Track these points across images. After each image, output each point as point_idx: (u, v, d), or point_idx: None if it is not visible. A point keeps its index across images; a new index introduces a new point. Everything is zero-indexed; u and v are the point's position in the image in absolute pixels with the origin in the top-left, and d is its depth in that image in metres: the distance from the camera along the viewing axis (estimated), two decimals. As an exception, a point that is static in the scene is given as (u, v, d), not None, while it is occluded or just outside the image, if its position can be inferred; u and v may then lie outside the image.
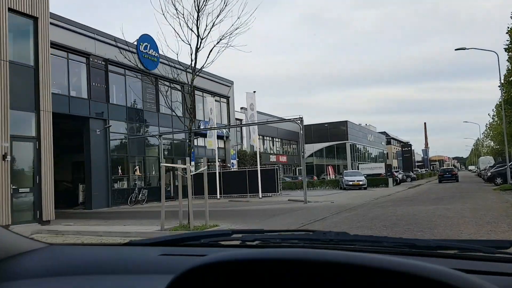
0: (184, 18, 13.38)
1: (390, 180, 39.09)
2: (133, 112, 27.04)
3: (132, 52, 27.10)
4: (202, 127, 30.76)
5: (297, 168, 65.76)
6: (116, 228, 13.72)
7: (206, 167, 13.53)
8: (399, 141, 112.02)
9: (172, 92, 15.67)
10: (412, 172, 63.09)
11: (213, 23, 13.58)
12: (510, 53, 26.90)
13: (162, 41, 16.81)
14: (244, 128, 51.99)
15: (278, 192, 28.29)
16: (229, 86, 37.83)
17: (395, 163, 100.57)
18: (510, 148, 28.62)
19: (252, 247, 1.54)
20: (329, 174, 53.32)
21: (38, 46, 15.77)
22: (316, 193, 30.91)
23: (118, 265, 1.43)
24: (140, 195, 25.67)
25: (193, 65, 14.06)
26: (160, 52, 15.70)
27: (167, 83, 18.02)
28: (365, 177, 36.89)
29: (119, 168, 25.51)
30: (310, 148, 70.60)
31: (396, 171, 50.70)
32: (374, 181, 38.63)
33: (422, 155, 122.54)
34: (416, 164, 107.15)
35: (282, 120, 25.10)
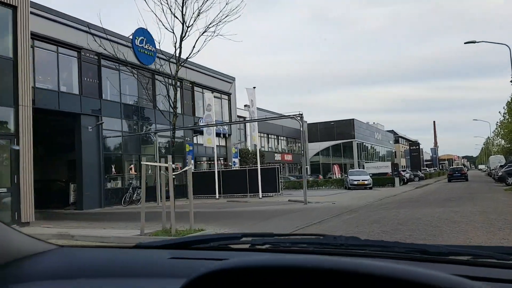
0: (167, 2, 12.35)
1: (397, 180, 37.81)
2: (128, 109, 26.08)
3: (126, 46, 26.34)
4: (201, 124, 29.74)
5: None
6: (94, 232, 12.74)
7: (191, 166, 12.45)
8: (407, 140, 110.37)
9: (158, 85, 14.54)
10: (420, 171, 61.67)
11: (200, 10, 12.56)
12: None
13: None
14: (247, 126, 51.05)
15: (279, 192, 27.21)
16: (230, 83, 36.79)
17: (403, 162, 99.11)
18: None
19: (262, 251, 1.53)
20: (335, 173, 52.17)
21: (18, 37, 14.82)
22: (320, 193, 29.82)
23: (128, 268, 1.41)
24: (135, 195, 24.71)
25: (177, 55, 12.92)
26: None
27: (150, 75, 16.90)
28: (370, 176, 35.69)
29: (113, 166, 24.56)
30: (316, 147, 69.46)
31: (403, 170, 49.36)
32: (380, 180, 37.40)
33: (431, 154, 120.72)
34: (425, 163, 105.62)
35: (282, 116, 24.05)
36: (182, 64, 13.49)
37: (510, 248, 1.39)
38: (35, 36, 20.63)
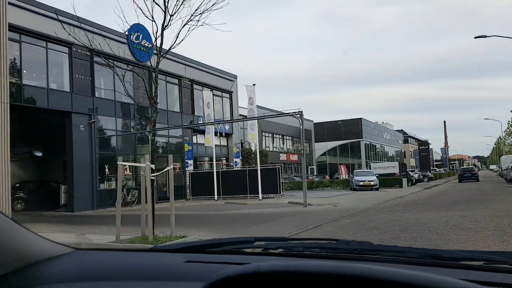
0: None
1: (405, 181, 36.54)
2: (123, 107, 25.14)
3: (121, 42, 25.41)
4: (201, 122, 28.74)
5: (309, 167, 63.44)
6: (70, 237, 11.75)
7: (171, 166, 11.43)
8: (417, 140, 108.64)
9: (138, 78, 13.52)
10: (430, 172, 60.18)
11: (184, -3, 11.53)
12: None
13: (121, 15, 14.66)
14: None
15: (280, 193, 26.14)
16: (232, 81, 35.75)
17: (412, 162, 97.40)
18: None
19: (275, 255, 1.51)
20: (342, 174, 50.96)
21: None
22: (324, 194, 28.72)
23: (144, 271, 1.41)
24: (130, 196, 23.80)
25: (158, 46, 11.91)
26: (120, 30, 13.52)
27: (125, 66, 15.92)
28: (377, 177, 34.47)
29: (106, 167, 23.64)
30: (323, 147, 68.25)
31: (411, 171, 47.98)
32: (387, 181, 36.16)
33: (441, 154, 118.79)
34: (435, 163, 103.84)
35: (281, 114, 22.98)
36: (164, 55, 12.45)
37: None
38: (22, 31, 19.82)
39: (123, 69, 15.00)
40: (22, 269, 1.39)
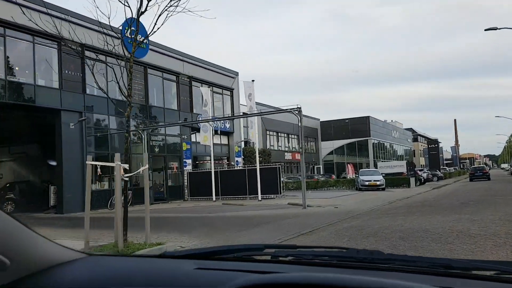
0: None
1: (412, 180, 35.27)
2: (116, 104, 24.13)
3: (115, 37, 24.46)
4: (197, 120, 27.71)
5: (315, 166, 62.28)
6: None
7: (146, 166, 10.45)
8: (426, 138, 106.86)
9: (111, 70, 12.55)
10: (439, 171, 58.75)
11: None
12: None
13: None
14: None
15: (280, 193, 25.06)
16: (233, 78, 34.70)
17: (422, 161, 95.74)
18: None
19: (285, 263, 1.50)
20: (349, 173, 49.74)
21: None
22: (327, 195, 27.61)
23: (155, 278, 1.41)
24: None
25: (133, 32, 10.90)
26: (89, 15, 12.53)
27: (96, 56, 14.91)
28: (383, 176, 33.27)
29: (98, 167, 22.65)
30: (330, 145, 67.02)
31: (420, 170, 46.63)
32: (394, 181, 34.93)
33: (452, 153, 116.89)
34: (445, 162, 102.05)
35: (279, 111, 21.89)
36: (139, 44, 11.47)
37: None
38: (7, 25, 18.95)
39: (92, 59, 13.91)
40: (35, 274, 1.39)
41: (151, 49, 26.42)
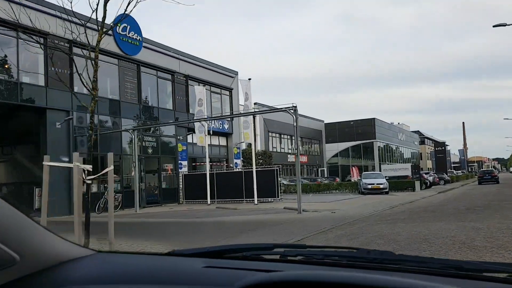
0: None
1: (417, 183, 34.02)
2: (107, 103, 23.26)
3: (106, 34, 23.56)
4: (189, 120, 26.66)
5: (319, 168, 61.12)
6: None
7: (111, 167, 9.46)
8: (434, 141, 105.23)
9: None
10: (446, 174, 57.34)
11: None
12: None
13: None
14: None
15: (278, 197, 23.98)
16: (232, 77, 33.68)
17: (429, 164, 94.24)
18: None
19: (295, 262, 1.49)
20: (354, 176, 48.57)
21: None
22: (327, 198, 26.54)
23: (163, 275, 1.42)
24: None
25: (98, 19, 9.97)
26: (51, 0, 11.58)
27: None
28: (387, 179, 32.10)
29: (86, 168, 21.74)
30: (335, 148, 65.89)
31: (426, 173, 45.30)
32: (399, 184, 33.72)
33: (459, 156, 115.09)
34: (453, 165, 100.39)
35: (274, 110, 20.86)
36: (107, 31, 10.52)
37: None
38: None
39: (52, 48, 12.98)
40: (44, 270, 1.39)
41: (144, 47, 25.54)
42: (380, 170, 39.98)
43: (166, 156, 26.85)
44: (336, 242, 9.56)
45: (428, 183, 39.32)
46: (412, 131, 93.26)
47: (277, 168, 24.51)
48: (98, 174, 10.28)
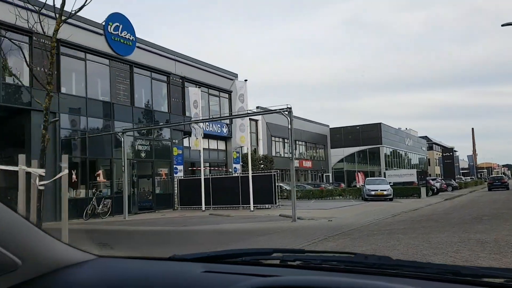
0: None
1: (423, 190, 32.79)
2: (97, 105, 22.34)
3: (97, 33, 22.73)
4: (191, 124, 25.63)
5: (324, 174, 59.92)
6: None
7: (65, 171, 8.47)
8: (442, 147, 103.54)
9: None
10: (454, 180, 55.88)
11: None
12: None
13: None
14: (261, 129, 46.88)
15: (275, 203, 22.90)
16: (231, 79, 32.71)
17: (437, 170, 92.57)
18: None
19: (293, 267, 1.50)
20: (359, 182, 47.37)
21: None
22: (328, 205, 25.44)
23: (163, 280, 1.43)
24: (101, 206, 20.90)
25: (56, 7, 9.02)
26: None
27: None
28: (392, 185, 30.92)
29: (73, 172, 20.84)
30: (340, 153, 64.66)
31: (433, 179, 43.97)
32: (404, 190, 32.49)
33: (469, 162, 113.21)
34: (461, 171, 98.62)
35: (268, 111, 19.84)
36: (65, 19, 9.55)
37: None
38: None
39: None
40: (46, 275, 1.40)
41: (138, 47, 24.68)
42: (384, 176, 38.71)
43: (160, 160, 25.90)
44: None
45: (435, 189, 38.03)
46: (420, 137, 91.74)
47: (275, 173, 23.46)
48: (51, 179, 9.29)
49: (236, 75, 33.28)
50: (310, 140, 56.93)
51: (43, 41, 19.72)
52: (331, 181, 57.02)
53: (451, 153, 74.02)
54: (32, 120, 19.12)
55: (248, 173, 23.05)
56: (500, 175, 60.54)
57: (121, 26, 23.50)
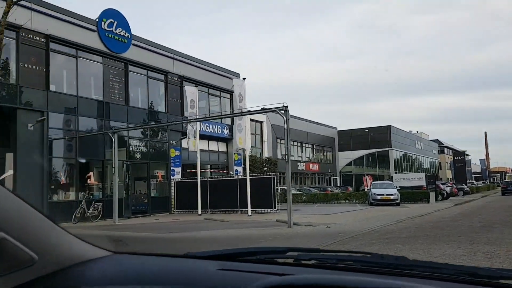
0: None
1: (432, 194, 31.50)
2: (89, 104, 21.49)
3: (90, 29, 21.91)
4: (187, 124, 24.62)
5: (332, 177, 58.69)
6: None
7: (10, 172, 7.50)
8: (454, 150, 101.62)
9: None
10: (466, 185, 54.33)
11: None
12: None
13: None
14: (266, 131, 45.82)
15: (275, 208, 21.86)
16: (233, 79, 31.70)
17: (448, 174, 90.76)
18: None
19: (308, 266, 1.49)
20: (366, 186, 46.11)
21: None
22: (331, 210, 24.37)
23: (178, 277, 1.42)
24: (91, 209, 20.02)
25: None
26: None
27: None
28: (398, 190, 29.71)
29: (62, 174, 20.00)
30: (348, 156, 63.35)
31: (443, 183, 42.56)
32: (412, 195, 31.21)
33: (481, 166, 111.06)
34: (473, 175, 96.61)
35: (263, 110, 18.82)
36: (16, 1, 8.65)
37: None
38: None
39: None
40: (61, 270, 1.41)
41: (134, 44, 23.83)
42: (392, 180, 37.42)
43: (156, 162, 24.98)
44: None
45: (445, 194, 36.68)
46: (431, 140, 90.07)
47: (274, 176, 22.39)
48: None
49: (238, 75, 32.28)
50: (317, 143, 55.78)
51: (30, 36, 18.99)
52: (338, 185, 55.79)
53: (463, 157, 72.37)
54: (19, 118, 18.30)
55: (255, 175, 22.12)
56: (513, 179, 58.77)
57: (115, 23, 22.67)
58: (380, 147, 63.46)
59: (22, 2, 18.67)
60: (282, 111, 15.70)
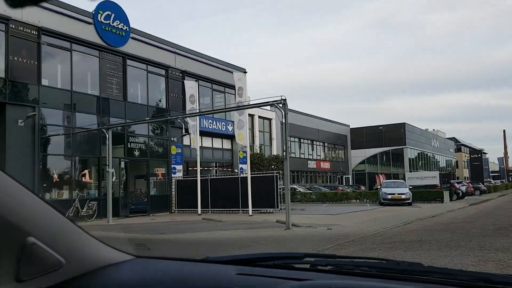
0: None
1: (446, 194, 30.16)
2: (84, 99, 20.69)
3: (85, 22, 21.13)
4: (188, 121, 23.68)
5: (344, 176, 57.39)
6: None
7: None
8: (471, 149, 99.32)
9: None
10: (483, 184, 52.57)
11: None
12: None
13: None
14: (274, 128, 44.74)
15: (277, 207, 20.85)
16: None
17: (465, 172, 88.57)
18: None
19: (324, 272, 1.49)
20: (379, 184, 44.77)
21: None
22: (338, 210, 23.25)
23: (199, 282, 1.44)
24: (85, 208, 19.25)
25: None
26: None
27: None
28: (411, 189, 28.46)
29: (55, 172, 19.24)
30: (361, 154, 61.92)
31: (458, 182, 41.02)
32: (425, 194, 29.93)
33: (499, 165, 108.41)
34: (491, 174, 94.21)
35: (260, 104, 17.85)
36: None
37: None
38: None
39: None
40: (86, 274, 1.42)
41: (133, 38, 22.99)
42: (404, 179, 36.08)
43: (156, 160, 24.13)
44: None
45: (460, 193, 35.23)
46: (447, 138, 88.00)
47: (277, 174, 21.37)
48: None
49: (244, 70, 31.29)
50: (328, 141, 54.51)
51: (21, 28, 18.27)
52: (350, 183, 54.51)
53: (480, 155, 70.33)
54: (9, 114, 17.58)
55: (257, 173, 21.16)
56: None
57: (113, 15, 21.85)
58: (394, 145, 61.93)
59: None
60: (280, 105, 14.67)
